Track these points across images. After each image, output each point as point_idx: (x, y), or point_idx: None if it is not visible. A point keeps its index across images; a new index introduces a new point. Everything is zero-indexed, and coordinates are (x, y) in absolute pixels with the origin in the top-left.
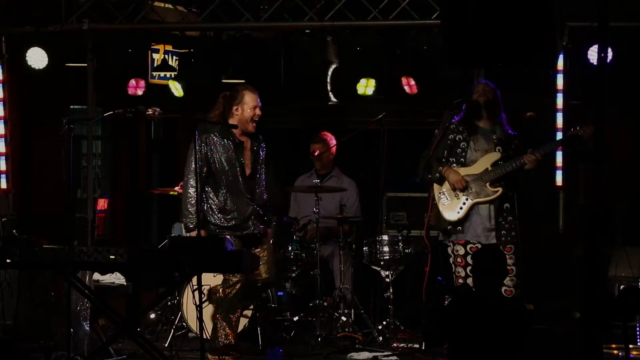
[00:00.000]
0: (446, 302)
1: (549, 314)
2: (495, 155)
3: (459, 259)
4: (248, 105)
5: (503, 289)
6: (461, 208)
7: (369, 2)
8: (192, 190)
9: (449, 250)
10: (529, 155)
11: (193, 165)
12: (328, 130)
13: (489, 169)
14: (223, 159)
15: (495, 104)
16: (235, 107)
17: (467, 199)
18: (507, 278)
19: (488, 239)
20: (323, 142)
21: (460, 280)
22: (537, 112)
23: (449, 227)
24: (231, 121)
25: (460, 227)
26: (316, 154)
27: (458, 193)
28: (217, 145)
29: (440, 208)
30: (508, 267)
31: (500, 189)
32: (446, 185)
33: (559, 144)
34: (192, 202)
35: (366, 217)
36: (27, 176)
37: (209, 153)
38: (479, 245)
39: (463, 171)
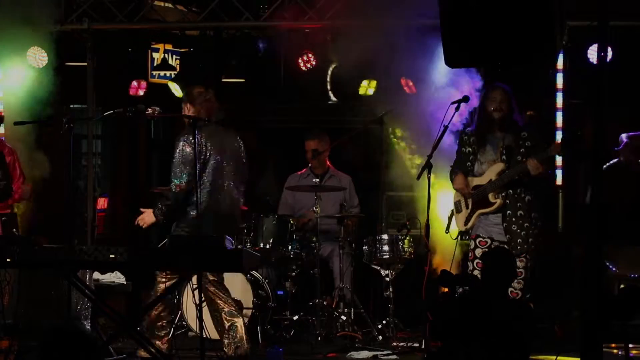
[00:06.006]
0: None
1: (549, 314)
2: (500, 166)
3: (469, 254)
4: None
5: (509, 290)
6: (468, 219)
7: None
8: None
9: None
10: (531, 160)
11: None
12: (328, 129)
13: (493, 179)
14: None
15: (509, 117)
16: None
17: (473, 210)
18: (515, 281)
19: (499, 236)
20: (319, 139)
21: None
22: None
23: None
24: None
25: (470, 231)
26: (310, 153)
27: (468, 203)
28: None
29: (455, 216)
30: (518, 270)
31: (498, 201)
32: (458, 195)
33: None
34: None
35: (366, 216)
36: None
37: None
38: (488, 240)
39: (472, 182)
